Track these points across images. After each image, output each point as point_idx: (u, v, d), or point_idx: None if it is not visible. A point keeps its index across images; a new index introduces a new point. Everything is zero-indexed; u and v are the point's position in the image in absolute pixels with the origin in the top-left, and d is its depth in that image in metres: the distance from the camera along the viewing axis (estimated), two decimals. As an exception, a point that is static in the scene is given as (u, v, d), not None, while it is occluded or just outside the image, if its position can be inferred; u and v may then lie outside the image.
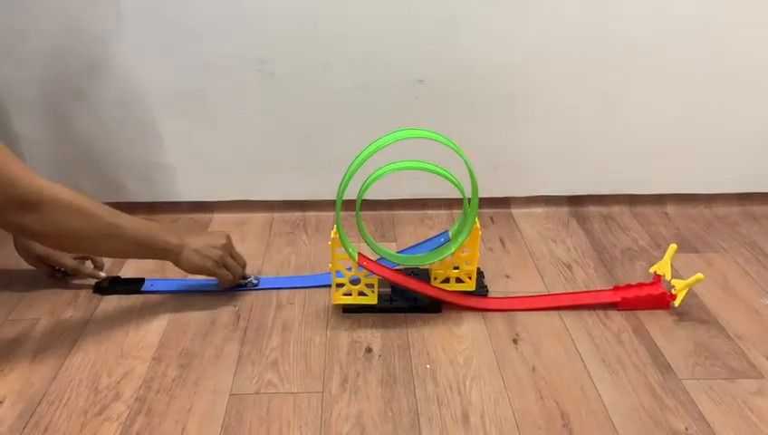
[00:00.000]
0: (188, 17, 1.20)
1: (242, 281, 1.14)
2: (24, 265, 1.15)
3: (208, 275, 1.09)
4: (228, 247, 1.10)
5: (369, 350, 1.00)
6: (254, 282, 1.15)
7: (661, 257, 1.12)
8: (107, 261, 1.21)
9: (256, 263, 1.23)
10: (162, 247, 1.04)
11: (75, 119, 1.29)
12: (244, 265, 1.14)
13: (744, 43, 1.27)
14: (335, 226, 1.00)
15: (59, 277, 1.16)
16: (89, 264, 1.16)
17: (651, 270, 1.10)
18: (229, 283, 1.12)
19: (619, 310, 1.09)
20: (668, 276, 1.09)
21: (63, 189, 0.92)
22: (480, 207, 1.05)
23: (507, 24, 1.23)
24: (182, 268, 1.07)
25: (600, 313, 1.08)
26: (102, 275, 1.16)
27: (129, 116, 1.30)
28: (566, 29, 1.24)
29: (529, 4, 1.21)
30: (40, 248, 1.12)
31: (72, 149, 1.32)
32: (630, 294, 1.09)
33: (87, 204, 0.95)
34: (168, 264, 1.06)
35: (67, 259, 1.13)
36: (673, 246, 1.09)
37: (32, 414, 0.88)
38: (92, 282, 1.16)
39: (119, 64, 1.24)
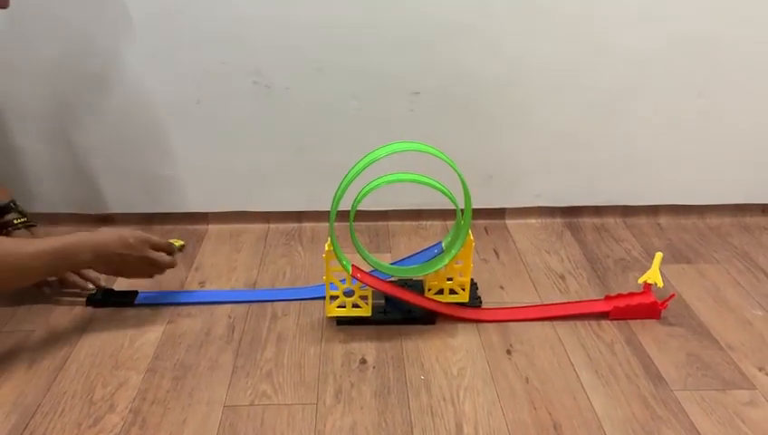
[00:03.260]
0: (185, 30, 1.21)
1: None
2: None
3: (132, 277, 1.11)
4: (144, 257, 1.06)
5: (363, 361, 1.01)
6: (180, 244, 1.14)
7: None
8: (100, 274, 1.21)
9: (251, 274, 1.24)
10: (74, 266, 1.07)
11: (72, 130, 1.30)
12: (167, 248, 1.11)
13: (738, 56, 1.28)
14: (329, 238, 1.00)
15: (47, 292, 1.15)
16: (77, 275, 1.15)
17: (640, 280, 1.11)
18: (160, 273, 1.10)
19: (610, 319, 1.09)
20: (660, 284, 1.09)
21: None
22: (474, 217, 1.05)
23: (503, 36, 1.24)
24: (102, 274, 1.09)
25: (593, 323, 1.09)
26: (91, 287, 1.15)
27: (125, 128, 1.30)
28: (561, 41, 1.25)
29: (524, 18, 1.23)
30: None
31: (69, 160, 1.33)
32: (622, 303, 1.10)
33: None
34: (164, 277, 1.06)
35: None
36: (659, 254, 1.10)
37: (26, 426, 0.88)
38: (86, 293, 1.16)
39: (116, 76, 1.25)
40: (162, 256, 1.09)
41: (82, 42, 1.22)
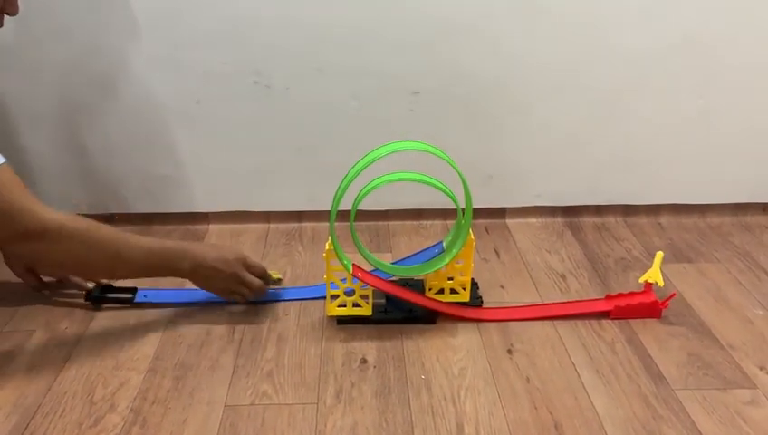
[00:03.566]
0: (185, 30, 1.21)
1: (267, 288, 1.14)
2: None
3: (223, 297, 1.10)
4: (236, 277, 1.08)
5: (363, 361, 1.00)
6: (278, 278, 1.17)
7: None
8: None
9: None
10: (171, 271, 1.05)
11: (73, 131, 1.30)
12: (261, 275, 1.11)
13: (739, 55, 1.28)
14: (330, 237, 1.00)
15: (47, 293, 1.15)
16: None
17: (641, 280, 1.11)
18: (249, 298, 1.11)
19: (611, 319, 1.09)
20: (661, 283, 1.09)
21: (69, 219, 0.93)
22: (475, 217, 1.05)
23: (503, 36, 1.24)
24: (197, 286, 1.09)
25: (594, 323, 1.09)
26: (89, 286, 1.14)
27: (126, 128, 1.30)
28: (562, 41, 1.25)
29: (524, 17, 1.23)
30: (28, 259, 1.11)
31: (69, 160, 1.33)
32: (623, 302, 1.10)
33: (92, 233, 0.95)
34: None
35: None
36: (659, 254, 1.10)
37: (26, 426, 0.88)
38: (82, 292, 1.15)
39: (116, 77, 1.25)
40: (254, 280, 1.10)
41: (84, 44, 1.22)
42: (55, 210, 0.92)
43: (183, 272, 1.05)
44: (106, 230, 0.98)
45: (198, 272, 1.06)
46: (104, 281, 1.15)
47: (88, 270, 1.02)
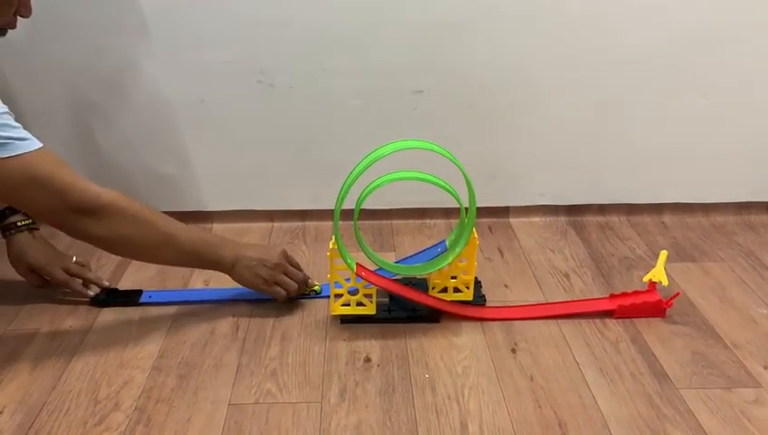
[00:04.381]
0: (189, 29, 1.21)
1: (305, 291, 1.14)
2: (24, 276, 1.16)
3: (259, 291, 1.10)
4: (281, 266, 1.09)
5: (367, 360, 1.01)
6: (317, 290, 1.15)
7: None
8: (106, 270, 1.22)
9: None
10: (214, 260, 1.06)
11: (76, 130, 1.30)
12: (302, 281, 1.12)
13: (742, 54, 1.28)
14: (333, 236, 1.00)
15: (49, 293, 1.15)
16: (78, 280, 1.14)
17: (645, 279, 1.10)
18: (284, 298, 1.11)
19: (615, 318, 1.09)
20: (665, 282, 1.09)
21: (121, 196, 0.96)
22: (478, 216, 1.05)
23: (506, 35, 1.24)
24: (235, 281, 1.09)
25: (598, 322, 1.09)
26: (91, 293, 1.14)
27: (129, 127, 1.30)
28: (565, 39, 1.25)
29: (527, 16, 1.23)
30: (32, 259, 1.12)
31: (72, 159, 1.31)
32: (627, 301, 1.10)
33: (144, 212, 0.98)
34: (168, 275, 1.07)
35: (58, 272, 1.12)
36: (664, 253, 1.10)
37: (31, 424, 0.88)
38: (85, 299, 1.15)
39: (121, 76, 1.25)
40: (296, 272, 1.11)
41: (91, 44, 1.22)
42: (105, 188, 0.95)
43: (226, 262, 1.06)
44: (157, 212, 1.01)
45: (241, 262, 1.06)
46: (107, 285, 1.16)
47: (136, 249, 1.02)
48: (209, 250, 1.05)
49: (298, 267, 1.13)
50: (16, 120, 0.91)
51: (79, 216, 0.93)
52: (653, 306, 1.09)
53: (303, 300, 1.14)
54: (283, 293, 1.10)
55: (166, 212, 1.37)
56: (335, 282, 1.05)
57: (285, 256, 1.11)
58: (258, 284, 1.08)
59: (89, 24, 1.20)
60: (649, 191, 1.42)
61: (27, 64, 1.24)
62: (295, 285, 1.11)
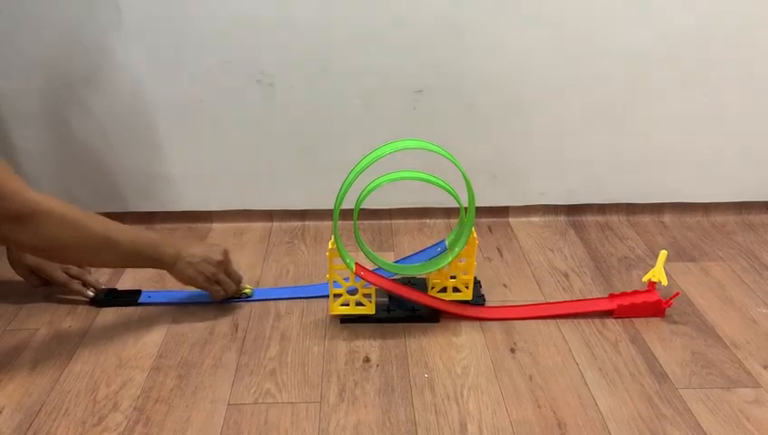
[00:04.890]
0: (189, 28, 1.21)
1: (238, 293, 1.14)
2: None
3: (200, 288, 1.09)
4: (224, 264, 1.10)
5: (366, 360, 1.00)
6: (248, 293, 1.15)
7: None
8: (104, 272, 1.22)
9: (255, 273, 1.23)
10: (156, 258, 1.04)
11: (75, 130, 1.30)
12: (238, 282, 1.13)
13: (743, 54, 1.28)
14: (333, 236, 1.00)
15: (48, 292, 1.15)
16: (77, 281, 1.14)
17: (645, 279, 1.11)
18: (221, 297, 1.11)
19: (615, 318, 1.09)
20: (665, 282, 1.09)
21: (57, 203, 0.93)
22: (478, 216, 1.05)
23: (506, 34, 1.24)
24: (176, 278, 1.08)
25: (597, 322, 1.09)
26: (91, 294, 1.14)
27: (129, 126, 1.30)
28: (565, 39, 1.25)
29: (528, 16, 1.22)
30: (31, 260, 1.11)
31: (72, 159, 1.33)
32: (626, 301, 1.10)
33: (80, 217, 0.95)
34: (168, 275, 1.07)
35: (57, 274, 1.12)
36: (663, 252, 1.09)
37: (30, 424, 0.88)
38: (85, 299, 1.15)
39: (119, 75, 1.25)
40: (230, 282, 1.11)
41: (90, 45, 1.22)
42: (44, 195, 0.92)
43: (167, 259, 1.04)
44: (94, 215, 0.98)
45: (183, 259, 1.05)
46: (104, 287, 1.16)
47: (73, 254, 1.00)
48: (150, 249, 1.03)
49: (234, 273, 1.13)
50: None
51: (13, 225, 0.89)
52: (652, 306, 1.09)
53: (306, 300, 1.14)
54: (222, 292, 1.10)
55: (166, 213, 1.40)
56: (334, 281, 1.05)
57: (227, 254, 1.10)
58: (200, 281, 1.07)
59: (86, 23, 1.20)
60: (649, 191, 1.42)
61: (33, 66, 1.24)
62: (234, 286, 1.11)
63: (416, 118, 1.31)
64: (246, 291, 1.15)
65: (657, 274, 1.09)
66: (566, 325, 1.08)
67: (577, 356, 1.01)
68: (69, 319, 1.10)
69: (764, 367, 0.99)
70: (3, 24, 1.19)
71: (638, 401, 0.92)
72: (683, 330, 1.07)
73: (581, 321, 1.09)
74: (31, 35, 1.21)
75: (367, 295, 1.07)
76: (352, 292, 1.06)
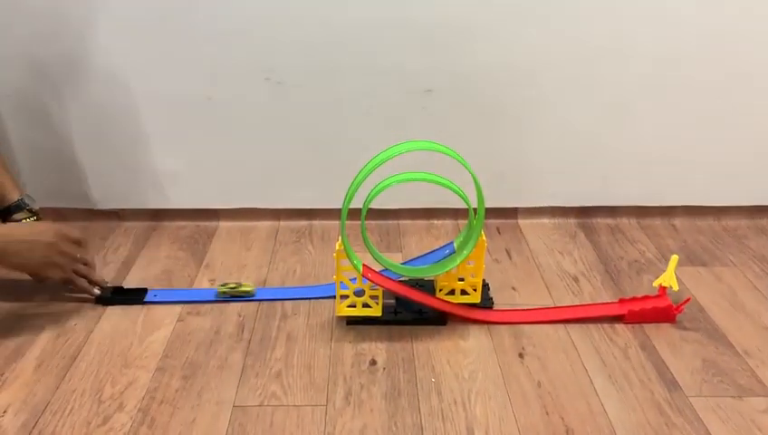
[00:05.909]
0: (197, 26, 1.20)
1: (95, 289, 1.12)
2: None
3: (34, 274, 1.06)
4: (56, 246, 1.04)
5: (373, 362, 1.00)
6: (249, 290, 1.13)
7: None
8: (110, 270, 1.21)
9: (261, 272, 1.23)
10: None
11: (83, 127, 1.30)
12: (85, 264, 1.09)
13: (756, 57, 1.26)
14: (340, 237, 0.99)
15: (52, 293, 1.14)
16: (83, 279, 1.13)
17: (655, 284, 1.09)
18: (62, 279, 1.07)
19: (625, 323, 1.08)
20: (675, 287, 1.07)
21: None
22: (487, 217, 1.04)
23: (516, 34, 1.23)
24: (2, 266, 1.04)
25: (607, 327, 1.07)
26: (97, 292, 1.13)
27: (137, 124, 1.30)
28: (575, 40, 1.24)
29: (538, 16, 1.21)
30: None
31: (79, 156, 1.33)
32: (636, 306, 1.08)
33: None
34: (174, 274, 1.06)
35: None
36: (675, 257, 1.08)
37: (35, 424, 0.88)
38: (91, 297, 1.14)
39: (128, 72, 1.24)
40: (67, 263, 1.06)
41: (96, 41, 1.21)
42: None
43: None
44: None
45: (8, 249, 0.99)
46: (109, 285, 1.15)
47: None
48: None
49: (80, 244, 1.08)
50: None
51: None
52: (663, 312, 1.08)
53: (313, 301, 1.13)
54: (61, 273, 1.06)
55: (173, 211, 1.40)
56: (341, 283, 1.04)
57: (61, 235, 1.04)
58: (31, 265, 1.03)
59: (93, 21, 1.19)
60: (660, 194, 1.41)
61: (34, 64, 1.23)
62: (73, 267, 1.07)
63: (425, 118, 1.30)
64: (247, 289, 1.14)
65: (668, 279, 1.08)
66: (575, 330, 1.07)
67: (586, 362, 1.00)
68: (74, 318, 1.09)
69: (777, 375, 0.97)
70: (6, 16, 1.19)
71: (647, 409, 0.91)
72: (693, 336, 1.05)
73: (591, 326, 1.08)
74: (33, 29, 1.20)
75: (374, 297, 1.06)
76: (359, 293, 1.05)
